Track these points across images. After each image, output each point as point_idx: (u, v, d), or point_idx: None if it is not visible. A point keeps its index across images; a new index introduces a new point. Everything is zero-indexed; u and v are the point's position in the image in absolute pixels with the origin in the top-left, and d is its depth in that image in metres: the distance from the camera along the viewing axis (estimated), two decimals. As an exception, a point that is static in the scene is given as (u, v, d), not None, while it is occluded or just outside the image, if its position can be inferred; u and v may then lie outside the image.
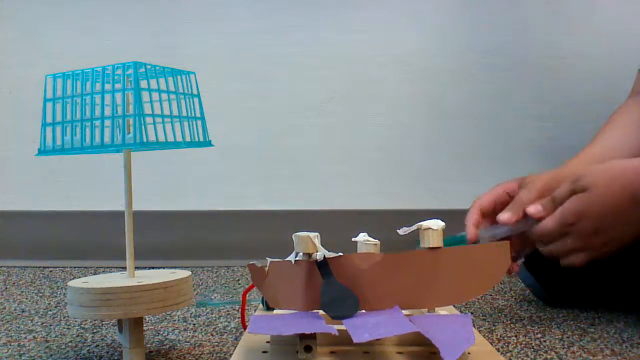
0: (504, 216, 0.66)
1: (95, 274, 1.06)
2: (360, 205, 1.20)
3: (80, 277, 0.98)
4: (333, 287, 0.51)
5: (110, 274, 0.59)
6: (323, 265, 0.51)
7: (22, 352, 0.61)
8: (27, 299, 0.87)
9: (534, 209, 0.65)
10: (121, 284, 0.52)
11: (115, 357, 0.58)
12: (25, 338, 0.66)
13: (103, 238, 1.20)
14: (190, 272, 0.57)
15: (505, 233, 0.68)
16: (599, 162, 0.67)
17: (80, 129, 0.50)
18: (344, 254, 0.53)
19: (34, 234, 1.22)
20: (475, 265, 0.53)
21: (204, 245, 1.20)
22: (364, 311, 0.52)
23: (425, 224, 0.54)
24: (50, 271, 1.11)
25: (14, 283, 1.00)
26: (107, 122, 0.49)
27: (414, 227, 0.54)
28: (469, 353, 0.50)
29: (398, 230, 0.56)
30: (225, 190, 1.22)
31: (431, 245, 0.53)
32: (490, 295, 0.85)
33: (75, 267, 1.16)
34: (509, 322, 0.69)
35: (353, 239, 0.58)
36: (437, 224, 0.54)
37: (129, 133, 0.48)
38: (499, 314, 0.73)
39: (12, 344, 0.63)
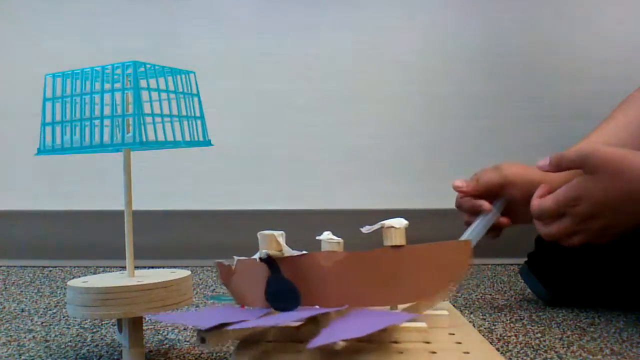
0: (541, 161, 0.69)
1: (94, 273, 1.06)
2: (360, 205, 1.20)
3: (79, 276, 0.97)
4: (278, 280, 0.51)
5: (109, 274, 0.59)
6: (268, 262, 0.52)
7: (21, 351, 0.61)
8: (26, 298, 0.87)
9: (542, 163, 0.69)
10: (121, 283, 0.52)
11: (115, 357, 0.58)
12: (25, 337, 0.66)
13: (103, 237, 1.20)
14: (190, 272, 0.57)
15: (484, 228, 0.74)
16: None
17: (79, 129, 0.50)
18: (307, 252, 0.53)
19: (34, 234, 1.22)
20: (438, 263, 0.53)
21: (204, 244, 1.20)
22: (317, 307, 0.52)
23: (388, 222, 0.54)
24: (50, 271, 1.11)
25: (13, 283, 1.00)
26: (107, 122, 0.49)
27: (377, 226, 0.54)
28: (468, 353, 0.50)
29: (361, 229, 0.56)
30: (225, 190, 1.22)
31: (394, 244, 0.53)
32: (490, 294, 0.85)
33: (74, 267, 1.16)
34: (508, 321, 0.69)
35: (317, 237, 0.58)
36: (399, 222, 0.54)
37: (128, 132, 0.48)
38: (499, 314, 0.73)
39: (12, 343, 0.63)
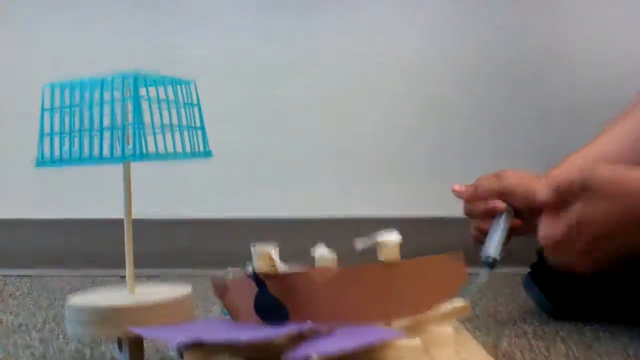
0: (539, 194, 0.66)
1: (93, 283, 1.05)
2: (361, 211, 1.19)
3: (78, 287, 0.96)
4: (265, 297, 0.51)
5: (109, 289, 0.58)
6: (254, 278, 0.52)
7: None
8: (24, 311, 0.85)
9: (540, 195, 0.65)
10: (121, 302, 0.51)
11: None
12: (23, 354, 0.64)
13: (102, 246, 1.19)
14: (191, 288, 0.56)
15: (504, 230, 0.72)
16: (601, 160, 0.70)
17: (78, 140, 0.49)
18: (300, 269, 0.53)
19: (31, 242, 1.22)
20: (432, 277, 0.53)
21: (204, 253, 1.19)
22: (308, 322, 0.52)
23: (381, 237, 0.54)
24: (48, 281, 1.10)
25: (10, 294, 0.98)
26: (107, 134, 0.48)
27: (370, 241, 0.54)
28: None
29: (355, 245, 0.56)
30: (225, 197, 1.21)
31: (387, 259, 0.53)
32: (493, 307, 0.84)
33: (73, 276, 1.14)
34: (513, 336, 0.68)
35: (311, 254, 0.58)
36: (393, 237, 0.54)
37: (128, 144, 0.47)
38: (503, 328, 0.72)
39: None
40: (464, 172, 1.19)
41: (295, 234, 1.13)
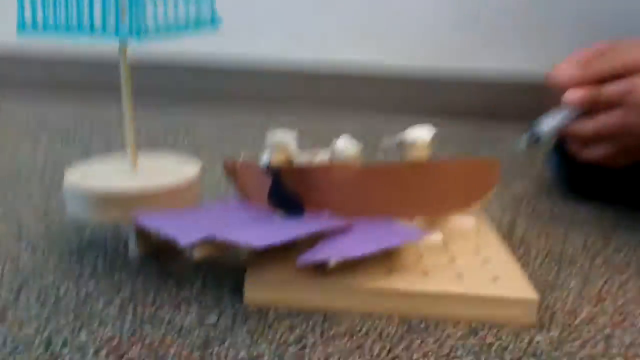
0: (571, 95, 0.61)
1: (92, 124, 1.00)
2: (393, 73, 1.12)
3: (75, 129, 0.92)
4: (280, 191, 0.49)
5: (110, 163, 0.54)
6: (269, 173, 0.49)
7: (21, 225, 0.58)
8: (22, 152, 0.82)
9: (571, 97, 0.61)
10: (122, 184, 0.47)
11: (121, 238, 0.56)
12: (23, 214, 0.62)
13: (102, 79, 1.14)
14: (199, 167, 0.52)
15: (564, 119, 0.64)
16: None
17: (65, 9, 0.41)
18: (320, 164, 0.50)
19: (29, 73, 1.16)
20: (461, 181, 0.50)
21: (207, 94, 1.15)
22: (326, 213, 0.49)
23: (411, 134, 0.51)
24: (46, 113, 1.06)
25: (6, 130, 0.95)
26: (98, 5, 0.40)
27: (399, 138, 0.51)
28: (497, 277, 0.47)
29: (382, 142, 0.53)
30: (235, 43, 1.13)
31: (416, 158, 0.52)
32: (508, 182, 0.81)
33: (70, 109, 1.10)
34: (529, 219, 0.66)
35: (332, 147, 0.54)
36: (423, 134, 0.51)
37: (123, 21, 0.40)
38: (517, 209, 0.70)
39: (10, 220, 0.60)
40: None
41: (312, 86, 1.07)
